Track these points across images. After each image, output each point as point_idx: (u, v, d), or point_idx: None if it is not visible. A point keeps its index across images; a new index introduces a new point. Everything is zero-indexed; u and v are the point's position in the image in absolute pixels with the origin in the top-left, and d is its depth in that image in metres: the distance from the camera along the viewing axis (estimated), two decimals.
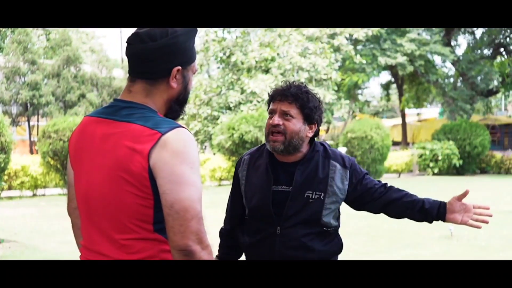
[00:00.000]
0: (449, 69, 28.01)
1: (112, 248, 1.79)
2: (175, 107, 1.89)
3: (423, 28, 24.18)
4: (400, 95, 29.45)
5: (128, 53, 1.85)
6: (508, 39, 26.63)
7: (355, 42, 24.89)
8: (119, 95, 2.06)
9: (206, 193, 14.11)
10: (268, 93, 2.59)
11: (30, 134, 22.16)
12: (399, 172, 22.55)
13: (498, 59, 27.02)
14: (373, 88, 75.10)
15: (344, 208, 2.71)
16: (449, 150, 22.00)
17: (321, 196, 2.50)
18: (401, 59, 23.96)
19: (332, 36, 22.52)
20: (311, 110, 2.50)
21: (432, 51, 24.61)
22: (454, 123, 23.50)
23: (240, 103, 20.60)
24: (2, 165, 10.39)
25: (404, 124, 29.96)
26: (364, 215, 11.39)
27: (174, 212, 1.69)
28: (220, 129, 17.79)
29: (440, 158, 21.97)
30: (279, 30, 21.12)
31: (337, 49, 22.49)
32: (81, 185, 1.86)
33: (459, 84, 26.85)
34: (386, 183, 2.67)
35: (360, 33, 22.19)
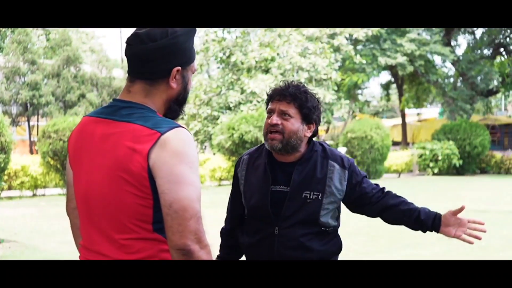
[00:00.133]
0: (449, 69, 28.01)
1: (112, 248, 1.79)
2: (174, 107, 1.89)
3: (423, 28, 24.17)
4: (400, 95, 29.45)
5: (128, 53, 1.85)
6: (508, 39, 26.63)
7: (355, 42, 24.89)
8: (119, 95, 2.06)
9: (206, 193, 14.12)
10: (267, 93, 2.59)
11: (30, 134, 22.16)
12: (399, 172, 22.56)
13: (498, 59, 27.02)
14: (373, 88, 75.16)
15: (344, 208, 2.71)
16: (449, 150, 22.01)
17: (319, 196, 2.50)
18: (401, 59, 23.96)
19: (332, 36, 22.52)
20: (310, 110, 2.50)
21: (432, 51, 24.61)
22: (454, 123, 23.50)
23: (240, 103, 20.60)
24: (2, 165, 10.39)
25: (404, 124, 29.96)
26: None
27: (172, 211, 1.69)
28: (220, 129, 17.79)
29: (440, 158, 21.97)
30: (279, 30, 21.12)
31: (337, 49, 22.49)
32: (81, 185, 1.86)
33: (459, 84, 26.86)
34: (384, 188, 2.67)
35: (360, 33, 22.19)
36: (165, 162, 1.70)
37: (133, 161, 1.72)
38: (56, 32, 23.36)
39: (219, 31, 22.60)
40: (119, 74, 23.13)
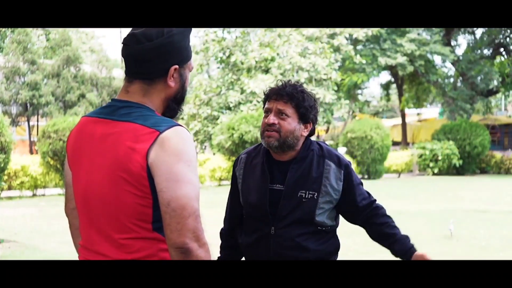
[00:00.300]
0: (449, 69, 28.01)
1: (111, 247, 1.79)
2: (172, 106, 1.89)
3: (423, 28, 24.17)
4: (400, 95, 29.45)
5: (125, 54, 1.85)
6: (508, 39, 26.63)
7: (355, 42, 24.89)
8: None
9: (206, 193, 14.12)
10: (264, 92, 2.59)
11: (30, 134, 22.17)
12: (399, 172, 22.56)
13: (498, 59, 27.02)
14: (373, 88, 75.15)
15: None
16: (449, 150, 22.01)
17: (315, 195, 2.50)
18: (401, 59, 23.96)
19: (332, 36, 22.52)
20: (306, 110, 2.50)
21: (432, 51, 24.61)
22: (454, 123, 23.50)
23: (240, 103, 20.61)
24: (2, 165, 10.39)
25: (404, 124, 29.96)
26: None
27: (171, 210, 1.69)
28: (220, 129, 17.79)
29: (440, 158, 21.98)
30: (279, 30, 21.12)
31: (337, 49, 22.49)
32: (80, 185, 1.86)
33: (459, 84, 26.85)
34: (374, 201, 2.66)
35: (360, 33, 22.19)
36: (164, 160, 1.71)
37: (132, 161, 1.72)
38: (56, 32, 23.37)
39: (219, 31, 22.61)
40: (119, 74, 23.15)
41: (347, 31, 22.42)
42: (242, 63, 21.19)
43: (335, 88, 22.44)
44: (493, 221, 10.02)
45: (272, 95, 2.52)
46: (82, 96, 21.45)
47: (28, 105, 21.27)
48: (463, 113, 25.27)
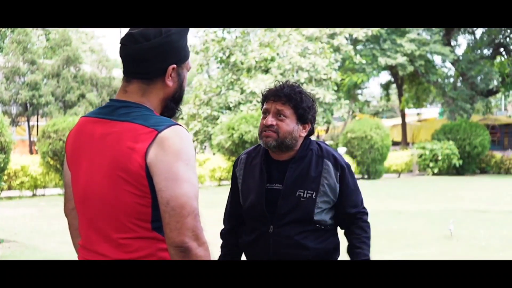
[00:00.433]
0: (449, 69, 28.01)
1: (110, 247, 1.79)
2: (171, 105, 1.90)
3: (423, 28, 24.17)
4: (400, 95, 29.45)
5: (123, 54, 1.85)
6: (508, 39, 26.63)
7: (354, 42, 24.89)
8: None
9: (206, 193, 14.12)
10: (262, 93, 2.60)
11: (29, 134, 22.16)
12: (399, 172, 22.56)
13: (498, 59, 27.02)
14: (373, 88, 75.15)
15: None
16: (449, 150, 22.01)
17: (313, 195, 2.50)
18: (401, 59, 23.95)
19: (332, 36, 22.52)
20: (305, 110, 2.51)
21: (432, 51, 24.61)
22: (454, 123, 23.50)
23: (239, 103, 20.60)
24: (2, 165, 10.38)
25: (404, 124, 29.95)
26: None
27: (170, 208, 1.70)
28: (219, 129, 17.79)
29: (440, 158, 21.98)
30: (279, 30, 21.12)
31: (336, 49, 22.49)
32: (79, 185, 1.87)
33: (459, 84, 26.85)
34: (364, 212, 2.64)
35: (360, 33, 22.19)
36: (162, 160, 1.71)
37: (131, 160, 1.73)
38: (56, 32, 23.37)
39: (219, 31, 22.60)
40: (119, 74, 23.12)
41: (347, 31, 22.42)
42: (242, 63, 21.19)
43: (335, 88, 22.43)
44: (493, 221, 10.02)
45: (270, 96, 2.53)
46: (82, 96, 21.44)
47: (28, 105, 21.27)
48: (463, 113, 25.27)
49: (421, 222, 9.74)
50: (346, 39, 23.18)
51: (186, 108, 21.89)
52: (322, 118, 21.23)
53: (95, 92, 21.99)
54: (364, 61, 23.05)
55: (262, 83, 19.58)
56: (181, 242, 1.69)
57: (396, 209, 11.64)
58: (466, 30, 27.60)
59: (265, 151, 2.59)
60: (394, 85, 31.93)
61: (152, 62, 1.81)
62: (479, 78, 25.73)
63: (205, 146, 22.63)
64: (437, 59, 27.03)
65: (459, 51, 29.44)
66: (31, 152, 20.90)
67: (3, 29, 17.14)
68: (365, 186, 16.96)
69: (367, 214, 2.67)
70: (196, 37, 23.19)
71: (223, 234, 2.75)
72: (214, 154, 18.84)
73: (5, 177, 12.61)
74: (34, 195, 14.11)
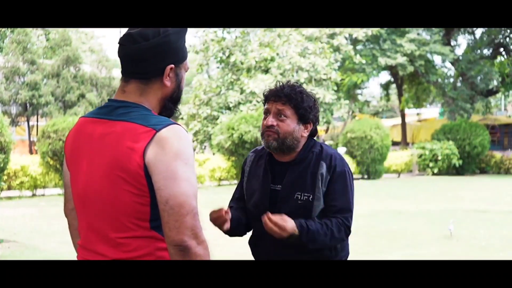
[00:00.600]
0: (449, 69, 28.02)
1: (109, 247, 1.80)
2: (169, 105, 1.90)
3: (423, 28, 24.18)
4: (400, 95, 29.45)
5: (121, 54, 1.86)
6: (508, 39, 26.63)
7: (354, 42, 24.88)
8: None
9: (206, 193, 14.11)
10: (263, 93, 2.59)
11: (29, 134, 22.15)
12: (399, 172, 22.56)
13: (498, 59, 27.02)
14: (372, 88, 75.18)
15: None
16: (449, 150, 22.01)
17: (310, 197, 2.48)
18: (401, 59, 23.95)
19: (332, 36, 22.51)
20: (306, 110, 2.49)
21: (432, 51, 24.61)
22: (454, 123, 23.51)
23: (239, 103, 20.60)
24: (2, 165, 10.38)
25: (403, 124, 29.96)
26: (364, 215, 11.34)
27: (169, 207, 1.70)
28: (219, 129, 17.78)
29: (439, 158, 21.98)
30: (279, 30, 21.11)
31: (336, 49, 22.49)
32: (78, 185, 1.87)
33: (459, 84, 26.85)
34: (346, 223, 2.47)
35: (360, 33, 22.19)
36: (161, 159, 1.72)
37: (130, 159, 1.73)
38: (55, 32, 23.36)
39: (218, 31, 22.60)
40: (119, 74, 22.89)
41: (347, 31, 22.42)
42: (242, 63, 21.19)
43: (335, 88, 22.43)
44: (493, 221, 10.02)
45: (271, 96, 2.53)
46: (82, 96, 21.44)
47: (28, 105, 21.26)
48: (463, 112, 25.27)
49: (421, 222, 9.74)
50: (346, 39, 23.18)
51: (186, 108, 21.89)
52: (322, 118, 21.23)
53: (95, 92, 21.98)
54: (364, 61, 23.04)
55: (262, 83, 19.58)
56: (180, 241, 1.69)
57: (396, 209, 11.64)
58: (466, 30, 27.60)
59: (269, 151, 2.59)
60: (394, 85, 31.93)
61: (150, 62, 1.82)
62: (479, 78, 25.74)
63: (205, 146, 22.63)
64: (437, 59, 27.05)
65: (459, 51, 29.48)
66: (31, 152, 20.90)
67: (3, 29, 17.15)
68: (365, 186, 16.96)
69: (348, 227, 2.49)
70: (196, 37, 23.21)
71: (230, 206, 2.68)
72: (214, 154, 18.83)
73: (5, 177, 12.61)
74: (34, 195, 14.10)
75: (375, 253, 7.13)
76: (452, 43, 27.57)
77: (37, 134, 16.54)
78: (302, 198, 2.48)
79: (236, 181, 17.21)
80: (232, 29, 22.52)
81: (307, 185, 2.49)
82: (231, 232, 2.56)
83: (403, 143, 29.16)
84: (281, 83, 2.55)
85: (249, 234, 2.71)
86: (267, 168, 2.56)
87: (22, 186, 13.78)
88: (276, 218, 2.32)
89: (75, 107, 20.86)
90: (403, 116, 30.21)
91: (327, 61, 20.93)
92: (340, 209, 2.47)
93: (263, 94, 2.59)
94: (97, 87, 22.17)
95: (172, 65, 1.85)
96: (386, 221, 9.65)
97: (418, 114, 36.02)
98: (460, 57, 26.41)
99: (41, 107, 20.98)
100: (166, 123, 1.76)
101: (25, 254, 7.07)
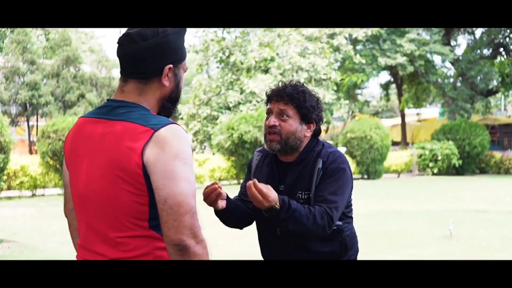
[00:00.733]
0: (449, 69, 28.03)
1: (108, 246, 1.80)
2: (167, 105, 1.90)
3: (422, 28, 24.18)
4: (400, 95, 29.46)
5: (120, 53, 1.86)
6: (508, 39, 26.64)
7: (354, 42, 24.89)
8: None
9: None
10: (266, 93, 2.59)
11: (29, 134, 22.14)
12: (399, 172, 22.56)
13: (498, 59, 27.03)
14: (372, 88, 75.17)
15: None
16: (449, 150, 22.01)
17: (309, 195, 2.47)
18: (401, 59, 23.96)
19: (332, 36, 22.52)
20: (308, 110, 2.48)
21: (431, 51, 24.62)
22: (454, 123, 23.52)
23: (239, 103, 20.61)
24: (1, 165, 10.38)
25: (403, 124, 29.96)
26: (364, 215, 11.33)
27: (167, 207, 1.70)
28: (219, 129, 17.79)
29: (439, 158, 21.98)
30: (279, 30, 21.12)
31: (336, 49, 22.50)
32: (78, 185, 1.87)
33: (458, 84, 26.86)
34: (327, 207, 2.38)
35: (360, 33, 22.19)
36: (159, 158, 1.72)
37: (129, 159, 1.74)
38: (55, 32, 23.35)
39: (218, 31, 22.60)
40: (119, 74, 23.01)
41: (347, 31, 22.42)
42: (241, 63, 21.19)
43: (335, 88, 22.44)
44: (493, 221, 10.02)
45: (273, 96, 2.52)
46: (82, 96, 21.42)
47: (28, 105, 21.25)
48: (463, 113, 25.28)
49: (421, 222, 9.74)
50: (346, 39, 23.18)
51: (185, 108, 21.89)
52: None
53: (94, 92, 21.97)
54: (363, 61, 23.05)
55: (261, 83, 19.59)
56: (179, 240, 1.70)
57: (396, 209, 11.64)
58: (466, 30, 27.60)
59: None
60: (393, 85, 31.94)
61: (149, 62, 1.82)
62: (479, 78, 25.74)
63: (205, 146, 22.63)
64: (437, 59, 27.06)
65: (459, 51, 29.48)
66: (30, 152, 20.89)
67: (3, 29, 17.15)
68: (365, 186, 16.96)
69: (331, 218, 2.37)
70: (196, 37, 23.22)
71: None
72: (213, 154, 18.84)
73: (5, 177, 12.61)
74: (33, 195, 14.10)
75: (375, 253, 7.13)
76: (452, 43, 27.58)
77: (37, 134, 16.54)
78: (303, 197, 2.47)
79: (236, 181, 17.22)
80: (232, 29, 22.52)
81: (306, 183, 2.48)
82: (225, 215, 2.48)
83: (403, 143, 29.17)
84: (284, 83, 2.53)
85: (250, 234, 2.71)
86: (273, 168, 2.55)
87: (22, 186, 13.79)
88: (262, 185, 2.26)
89: (75, 107, 20.85)
90: (403, 116, 30.22)
91: (327, 61, 20.94)
92: (325, 199, 2.40)
93: (266, 94, 2.58)
94: (97, 87, 22.16)
95: (171, 65, 1.85)
96: (386, 221, 9.65)
97: (418, 114, 36.01)
98: (460, 57, 26.42)
99: (41, 107, 20.97)
100: (165, 123, 1.76)
101: (25, 254, 7.07)
